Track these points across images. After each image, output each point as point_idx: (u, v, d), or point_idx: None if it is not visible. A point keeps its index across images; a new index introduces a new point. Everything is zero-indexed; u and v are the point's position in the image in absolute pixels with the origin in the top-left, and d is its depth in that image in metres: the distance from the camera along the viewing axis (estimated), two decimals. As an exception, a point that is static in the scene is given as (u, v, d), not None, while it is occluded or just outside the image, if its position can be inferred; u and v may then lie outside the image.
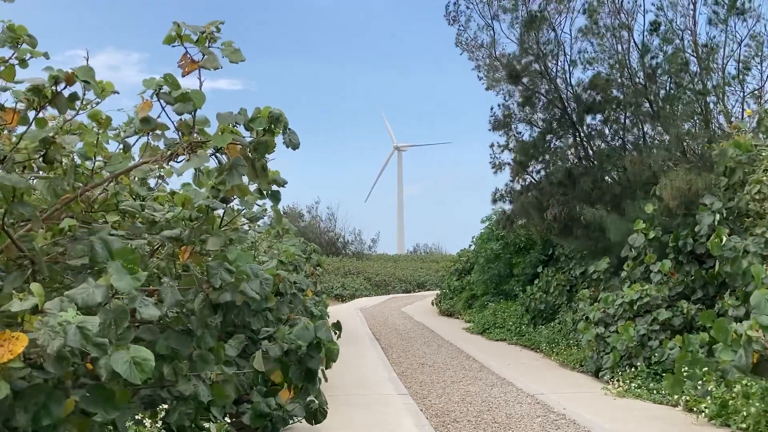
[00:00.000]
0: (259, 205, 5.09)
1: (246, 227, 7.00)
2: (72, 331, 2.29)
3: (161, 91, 3.30)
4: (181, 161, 3.51)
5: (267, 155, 3.52)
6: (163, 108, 3.44)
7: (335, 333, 4.67)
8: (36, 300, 2.36)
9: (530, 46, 15.46)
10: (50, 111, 3.54)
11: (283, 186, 4.26)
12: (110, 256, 2.80)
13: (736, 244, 9.03)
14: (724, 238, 9.26)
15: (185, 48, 3.38)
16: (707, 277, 11.00)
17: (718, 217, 10.03)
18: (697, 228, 10.67)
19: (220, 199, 3.83)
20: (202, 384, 3.54)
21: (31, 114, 3.35)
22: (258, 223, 7.43)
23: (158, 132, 3.57)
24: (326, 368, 4.68)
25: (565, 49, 15.81)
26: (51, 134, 3.21)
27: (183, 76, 3.41)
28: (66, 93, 3.28)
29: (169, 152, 3.49)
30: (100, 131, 3.75)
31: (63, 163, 3.33)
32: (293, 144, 3.55)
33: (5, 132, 3.43)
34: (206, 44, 3.40)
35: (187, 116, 3.36)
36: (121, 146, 3.98)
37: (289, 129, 3.52)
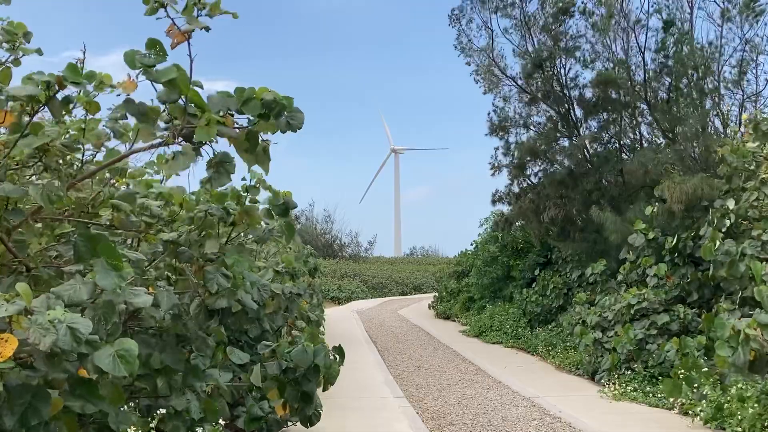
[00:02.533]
0: (267, 222, 4.97)
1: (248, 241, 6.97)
2: (62, 331, 2.27)
3: (147, 70, 3.00)
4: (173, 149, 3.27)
5: (267, 136, 3.24)
6: (155, 89, 3.08)
7: (335, 358, 4.61)
8: (24, 303, 2.33)
9: (559, 34, 15.48)
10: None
11: (293, 209, 4.17)
12: (94, 253, 2.73)
13: (729, 248, 9.03)
14: (717, 243, 9.27)
15: (171, 18, 3.06)
16: (703, 279, 11.00)
17: (733, 218, 9.87)
18: (702, 231, 10.70)
19: (229, 224, 3.73)
20: (195, 398, 3.51)
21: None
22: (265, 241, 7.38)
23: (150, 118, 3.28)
24: (324, 390, 4.64)
25: (566, 49, 15.87)
26: (46, 142, 3.12)
27: (172, 48, 3.10)
28: (61, 95, 3.21)
29: (159, 141, 3.26)
30: (88, 117, 3.59)
31: (58, 169, 3.26)
32: (292, 126, 3.20)
33: None
34: (194, 12, 3.07)
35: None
36: (112, 133, 3.83)
37: (287, 111, 3.16)
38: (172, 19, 3.05)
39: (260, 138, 3.24)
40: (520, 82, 16.51)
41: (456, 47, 17.16)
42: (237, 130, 3.12)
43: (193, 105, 3.06)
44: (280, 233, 4.43)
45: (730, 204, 10.03)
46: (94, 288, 2.62)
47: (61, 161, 3.28)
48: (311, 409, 4.29)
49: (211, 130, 2.99)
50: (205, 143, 3.08)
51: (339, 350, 4.56)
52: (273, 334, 6.74)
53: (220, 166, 3.12)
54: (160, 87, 3.06)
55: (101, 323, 2.57)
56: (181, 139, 3.05)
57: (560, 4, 15.40)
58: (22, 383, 2.39)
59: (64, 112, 3.33)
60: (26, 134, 3.16)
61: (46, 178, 3.19)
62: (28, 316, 2.30)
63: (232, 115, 3.18)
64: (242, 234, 4.40)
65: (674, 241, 11.34)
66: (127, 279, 2.69)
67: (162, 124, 3.15)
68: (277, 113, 3.14)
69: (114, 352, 2.40)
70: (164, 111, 3.17)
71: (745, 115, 11.14)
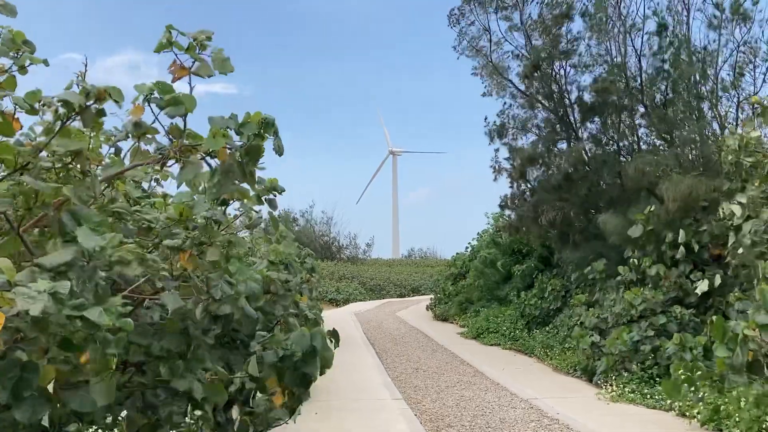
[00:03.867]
0: (255, 212, 5.15)
1: (244, 234, 7.00)
2: (45, 299, 2.33)
3: (152, 96, 3.36)
4: (171, 164, 3.55)
5: (259, 155, 3.58)
6: (154, 114, 3.46)
7: (331, 341, 4.69)
8: (5, 276, 2.39)
9: (557, 36, 15.52)
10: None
11: (280, 193, 4.33)
12: (78, 224, 2.82)
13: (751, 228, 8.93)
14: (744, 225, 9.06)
15: (175, 54, 3.48)
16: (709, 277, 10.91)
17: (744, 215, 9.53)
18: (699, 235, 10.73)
19: (219, 202, 3.87)
20: (197, 382, 3.57)
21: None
22: (255, 228, 7.43)
23: (149, 136, 3.61)
24: (321, 374, 4.70)
25: (565, 52, 15.92)
26: (80, 147, 3.28)
27: (173, 82, 3.48)
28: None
29: (160, 156, 3.53)
30: (92, 134, 3.75)
31: (88, 171, 3.40)
32: (279, 150, 3.61)
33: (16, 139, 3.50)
34: (196, 51, 3.49)
35: (178, 120, 3.41)
36: (113, 150, 4.00)
37: (277, 136, 3.59)
38: (176, 55, 3.48)
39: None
40: (519, 83, 16.55)
41: (455, 49, 17.18)
42: (238, 144, 3.50)
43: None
44: (269, 224, 4.67)
45: (743, 199, 9.83)
46: (77, 252, 2.68)
47: (89, 162, 3.43)
48: (307, 396, 4.37)
49: (218, 141, 3.35)
50: (209, 155, 3.41)
51: (334, 334, 4.69)
52: (267, 332, 6.74)
53: (228, 172, 3.41)
54: (164, 116, 3.45)
55: (87, 285, 2.62)
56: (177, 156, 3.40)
57: (558, 11, 15.44)
58: (10, 359, 2.44)
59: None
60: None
61: (78, 180, 3.34)
62: (13, 290, 2.34)
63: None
64: (235, 224, 4.52)
65: (674, 237, 11.31)
66: (113, 242, 2.76)
67: (158, 141, 3.55)
68: (273, 133, 3.53)
69: (101, 309, 2.51)
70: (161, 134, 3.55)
71: (755, 98, 10.99)
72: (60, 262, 2.62)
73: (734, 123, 13.17)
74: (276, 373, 4.27)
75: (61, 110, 3.34)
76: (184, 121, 3.42)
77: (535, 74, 15.73)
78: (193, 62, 3.52)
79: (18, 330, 2.41)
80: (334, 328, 4.87)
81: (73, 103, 3.22)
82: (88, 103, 3.28)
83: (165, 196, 4.57)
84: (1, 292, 2.35)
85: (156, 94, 3.35)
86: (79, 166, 3.36)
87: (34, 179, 3.10)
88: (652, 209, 11.72)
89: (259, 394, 4.58)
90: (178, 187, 3.98)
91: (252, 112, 3.58)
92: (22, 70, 3.58)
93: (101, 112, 3.41)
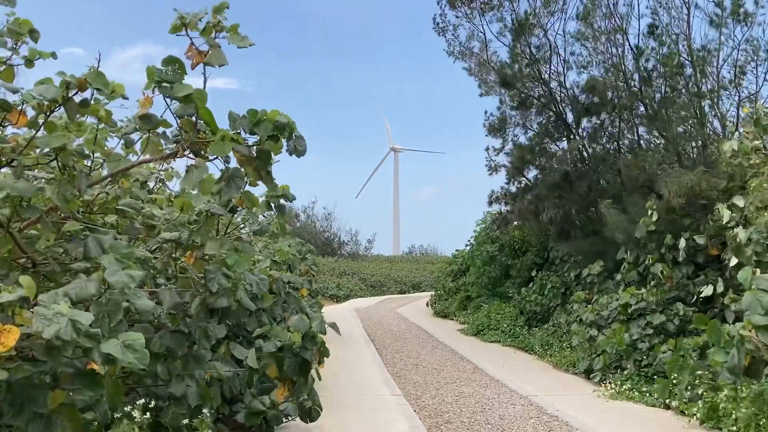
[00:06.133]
0: (264, 217, 5.09)
1: (244, 234, 7.04)
2: (64, 324, 2.30)
3: (162, 85, 3.16)
4: (187, 152, 3.43)
5: (272, 157, 3.41)
6: (167, 104, 3.27)
7: (331, 328, 4.70)
8: (24, 291, 2.37)
9: (521, 51, 15.51)
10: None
11: (291, 201, 4.25)
12: (102, 252, 2.81)
13: (740, 234, 8.95)
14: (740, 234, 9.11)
15: (190, 38, 3.28)
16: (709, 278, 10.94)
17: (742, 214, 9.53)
18: (700, 239, 10.75)
19: (228, 209, 3.80)
20: (195, 385, 3.56)
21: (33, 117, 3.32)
22: (262, 234, 7.45)
23: (159, 130, 3.45)
24: (319, 363, 4.71)
25: (558, 52, 15.89)
26: (63, 143, 3.18)
27: (192, 68, 3.29)
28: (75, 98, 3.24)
29: (169, 152, 3.42)
30: (100, 126, 3.69)
31: (73, 168, 3.30)
32: (298, 151, 3.37)
33: (9, 133, 3.43)
34: (212, 34, 3.27)
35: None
36: (123, 143, 3.93)
37: (296, 135, 3.33)
38: (191, 39, 3.26)
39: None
40: (518, 85, 16.49)
41: (448, 53, 17.09)
42: (248, 148, 3.28)
43: (202, 122, 3.19)
44: (276, 229, 4.59)
45: (740, 202, 9.78)
46: (100, 285, 2.66)
47: (74, 157, 3.32)
48: (308, 387, 4.37)
49: (226, 147, 3.14)
50: (216, 158, 3.23)
51: (334, 326, 4.69)
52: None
53: (231, 179, 3.26)
54: (175, 104, 3.24)
55: (104, 320, 2.60)
56: (188, 152, 3.20)
57: (549, 7, 15.39)
58: (25, 377, 2.42)
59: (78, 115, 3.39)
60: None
61: (60, 177, 3.24)
62: (32, 309, 2.34)
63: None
64: (240, 226, 4.50)
65: (674, 240, 11.32)
66: (137, 279, 2.72)
67: (170, 136, 3.30)
68: (288, 135, 3.32)
69: (121, 343, 2.45)
70: (173, 128, 3.38)
71: (745, 108, 10.99)
72: (86, 296, 2.61)
73: (734, 122, 13.17)
74: (275, 362, 4.27)
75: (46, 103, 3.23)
76: (196, 117, 3.24)
77: (528, 73, 15.68)
78: (209, 47, 3.29)
79: (31, 348, 2.40)
80: (333, 322, 4.88)
81: (56, 97, 3.13)
82: (69, 95, 3.17)
83: (174, 197, 4.55)
84: (18, 308, 2.34)
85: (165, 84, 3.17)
86: (61, 161, 3.26)
87: (17, 177, 3.04)
88: (653, 204, 11.69)
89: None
90: (180, 191, 3.94)
91: (265, 110, 3.31)
92: (29, 63, 3.54)
93: (85, 103, 3.30)
